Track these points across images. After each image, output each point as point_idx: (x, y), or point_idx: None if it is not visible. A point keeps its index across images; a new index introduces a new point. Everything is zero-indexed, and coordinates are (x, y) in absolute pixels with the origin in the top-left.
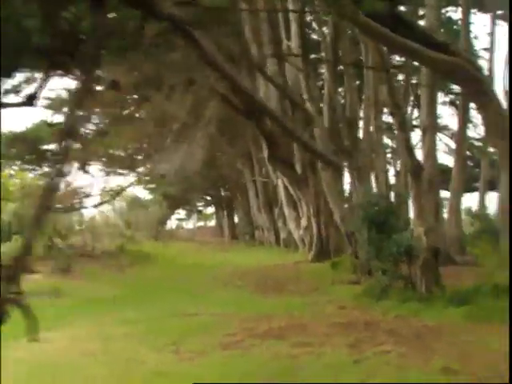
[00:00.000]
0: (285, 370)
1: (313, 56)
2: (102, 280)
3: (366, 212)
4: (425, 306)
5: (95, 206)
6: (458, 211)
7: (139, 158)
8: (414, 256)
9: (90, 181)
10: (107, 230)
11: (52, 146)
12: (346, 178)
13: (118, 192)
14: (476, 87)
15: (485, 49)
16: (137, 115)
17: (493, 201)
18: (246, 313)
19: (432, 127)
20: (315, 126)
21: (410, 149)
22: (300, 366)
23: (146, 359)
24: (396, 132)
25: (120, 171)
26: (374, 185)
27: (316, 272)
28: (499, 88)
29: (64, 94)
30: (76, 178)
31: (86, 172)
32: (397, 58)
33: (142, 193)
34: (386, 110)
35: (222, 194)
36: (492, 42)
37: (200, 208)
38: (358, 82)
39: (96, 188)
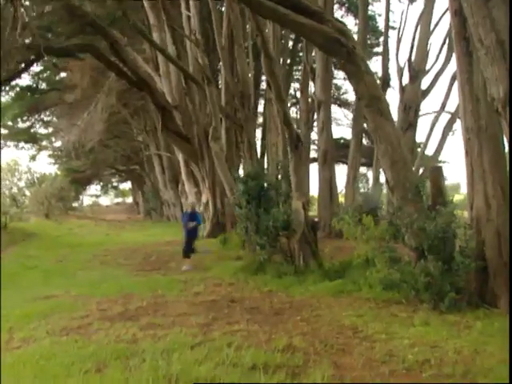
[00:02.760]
0: (117, 355)
1: None
2: None
3: (245, 186)
4: (300, 280)
5: None
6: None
7: (41, 130)
8: (291, 230)
9: None
10: None
11: None
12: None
13: (10, 166)
14: (347, 58)
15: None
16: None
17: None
18: (110, 293)
19: (326, 101)
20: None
21: (288, 120)
22: (135, 350)
23: None
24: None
25: (17, 144)
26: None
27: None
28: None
29: None
30: None
31: None
32: None
33: (47, 168)
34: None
35: (131, 168)
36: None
37: (115, 184)
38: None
39: None
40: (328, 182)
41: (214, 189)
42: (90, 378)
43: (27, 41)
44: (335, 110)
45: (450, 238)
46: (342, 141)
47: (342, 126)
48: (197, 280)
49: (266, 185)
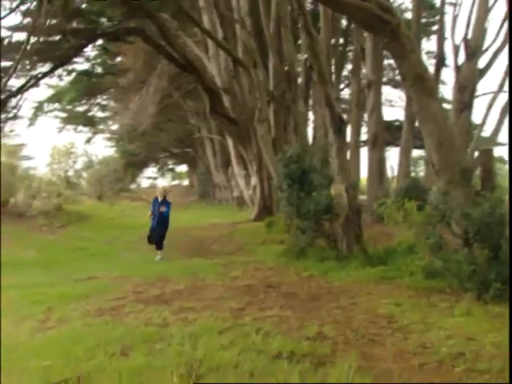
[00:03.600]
0: (144, 339)
1: None
2: (28, 242)
3: (287, 169)
4: (342, 265)
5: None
6: (406, 168)
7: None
8: (334, 214)
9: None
10: (47, 188)
11: None
12: None
13: (67, 149)
14: (391, 36)
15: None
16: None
17: None
18: (149, 276)
19: (377, 81)
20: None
21: (330, 102)
22: (163, 334)
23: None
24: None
25: (75, 128)
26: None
27: (250, 231)
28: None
29: None
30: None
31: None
32: None
33: (104, 151)
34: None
35: (185, 151)
36: None
37: (171, 166)
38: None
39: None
40: (378, 166)
41: (261, 172)
42: (113, 362)
43: (78, 25)
44: (389, 91)
45: (497, 224)
46: (396, 123)
47: (397, 107)
48: (237, 264)
49: (308, 168)
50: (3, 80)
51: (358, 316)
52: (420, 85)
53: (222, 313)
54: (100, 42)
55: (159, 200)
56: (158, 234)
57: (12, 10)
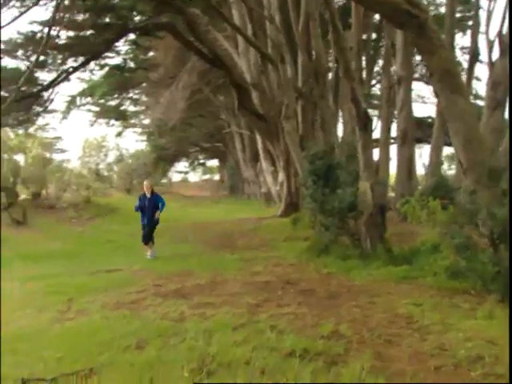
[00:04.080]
0: (159, 333)
1: None
2: (57, 233)
3: (312, 165)
4: (364, 263)
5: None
6: (437, 166)
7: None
8: (358, 212)
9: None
10: (77, 181)
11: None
12: None
13: (98, 143)
14: (418, 31)
15: None
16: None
17: None
18: (171, 269)
19: (407, 77)
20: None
21: (356, 98)
22: (178, 329)
23: (19, 319)
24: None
25: (108, 121)
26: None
27: (276, 227)
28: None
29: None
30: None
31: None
32: None
33: (135, 145)
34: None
35: (215, 146)
36: None
37: (202, 161)
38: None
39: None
40: (407, 163)
41: (288, 168)
42: (127, 355)
43: (108, 20)
44: (421, 87)
45: None
46: (429, 120)
47: (430, 103)
48: (259, 259)
49: (333, 164)
50: (26, 73)
51: (376, 315)
52: (448, 81)
53: (239, 309)
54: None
55: (147, 196)
56: (147, 231)
57: (34, 4)
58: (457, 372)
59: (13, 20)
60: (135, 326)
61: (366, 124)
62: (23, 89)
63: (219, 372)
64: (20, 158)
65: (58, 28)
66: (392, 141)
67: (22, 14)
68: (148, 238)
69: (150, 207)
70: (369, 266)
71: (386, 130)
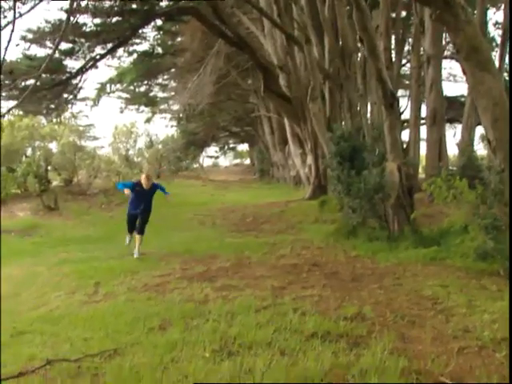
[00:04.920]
0: (183, 314)
1: None
2: (87, 219)
3: (337, 147)
4: (391, 246)
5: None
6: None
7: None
8: (386, 193)
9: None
10: (107, 167)
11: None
12: None
13: (128, 129)
14: (443, 7)
15: None
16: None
17: None
18: (197, 253)
19: (437, 55)
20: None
21: (382, 77)
22: (202, 311)
23: (49, 302)
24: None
25: (137, 108)
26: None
27: (303, 210)
28: None
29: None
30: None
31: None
32: None
33: (164, 131)
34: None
35: (245, 130)
36: None
37: (232, 145)
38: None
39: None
40: (437, 144)
41: (316, 151)
42: (151, 336)
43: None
44: (453, 65)
45: None
46: (462, 99)
47: (462, 82)
48: (286, 242)
49: (359, 145)
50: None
51: (401, 297)
52: (475, 58)
53: (263, 291)
54: (159, 22)
55: (145, 187)
56: (141, 221)
57: None
58: (481, 354)
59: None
60: (160, 307)
61: (392, 104)
62: (53, 77)
63: (240, 353)
64: (52, 146)
65: (82, 15)
66: (423, 121)
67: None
68: (138, 229)
69: (149, 195)
70: (396, 248)
71: (416, 110)
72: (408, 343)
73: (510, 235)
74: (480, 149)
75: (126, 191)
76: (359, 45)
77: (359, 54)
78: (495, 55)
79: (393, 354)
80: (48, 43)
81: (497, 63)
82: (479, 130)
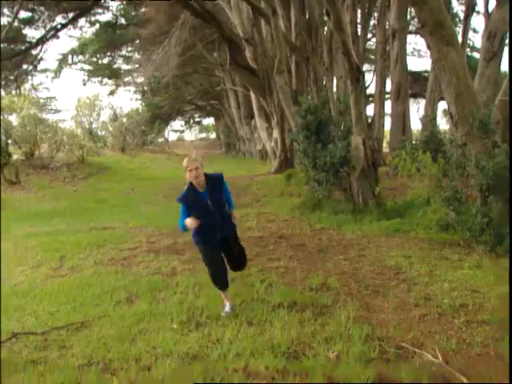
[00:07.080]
0: (151, 287)
1: None
2: (51, 193)
3: (304, 120)
4: (356, 218)
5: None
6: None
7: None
8: (351, 167)
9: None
10: (70, 140)
11: None
12: None
13: (91, 102)
14: None
15: None
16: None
17: None
18: (164, 226)
19: (402, 30)
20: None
21: (348, 51)
22: (169, 283)
23: (13, 276)
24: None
25: (100, 80)
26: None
27: (269, 184)
28: None
29: None
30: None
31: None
32: None
33: (129, 104)
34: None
35: (210, 103)
36: None
37: (198, 119)
38: None
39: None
40: (401, 118)
41: (282, 124)
42: (118, 308)
43: None
44: (417, 40)
45: None
46: (425, 74)
47: (426, 57)
48: (252, 215)
49: (324, 119)
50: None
51: (365, 268)
52: (439, 32)
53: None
54: None
55: (200, 190)
56: (233, 257)
57: None
58: (440, 320)
59: None
60: (127, 280)
61: (357, 78)
62: (12, 47)
63: (207, 324)
64: (12, 118)
65: None
66: (387, 96)
67: None
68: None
69: (215, 204)
70: (361, 220)
71: (381, 84)
72: (372, 312)
73: (510, 228)
74: (442, 123)
75: (190, 223)
76: (326, 18)
77: (325, 28)
78: (458, 31)
79: (357, 322)
80: (6, 11)
81: (460, 39)
82: (442, 106)
